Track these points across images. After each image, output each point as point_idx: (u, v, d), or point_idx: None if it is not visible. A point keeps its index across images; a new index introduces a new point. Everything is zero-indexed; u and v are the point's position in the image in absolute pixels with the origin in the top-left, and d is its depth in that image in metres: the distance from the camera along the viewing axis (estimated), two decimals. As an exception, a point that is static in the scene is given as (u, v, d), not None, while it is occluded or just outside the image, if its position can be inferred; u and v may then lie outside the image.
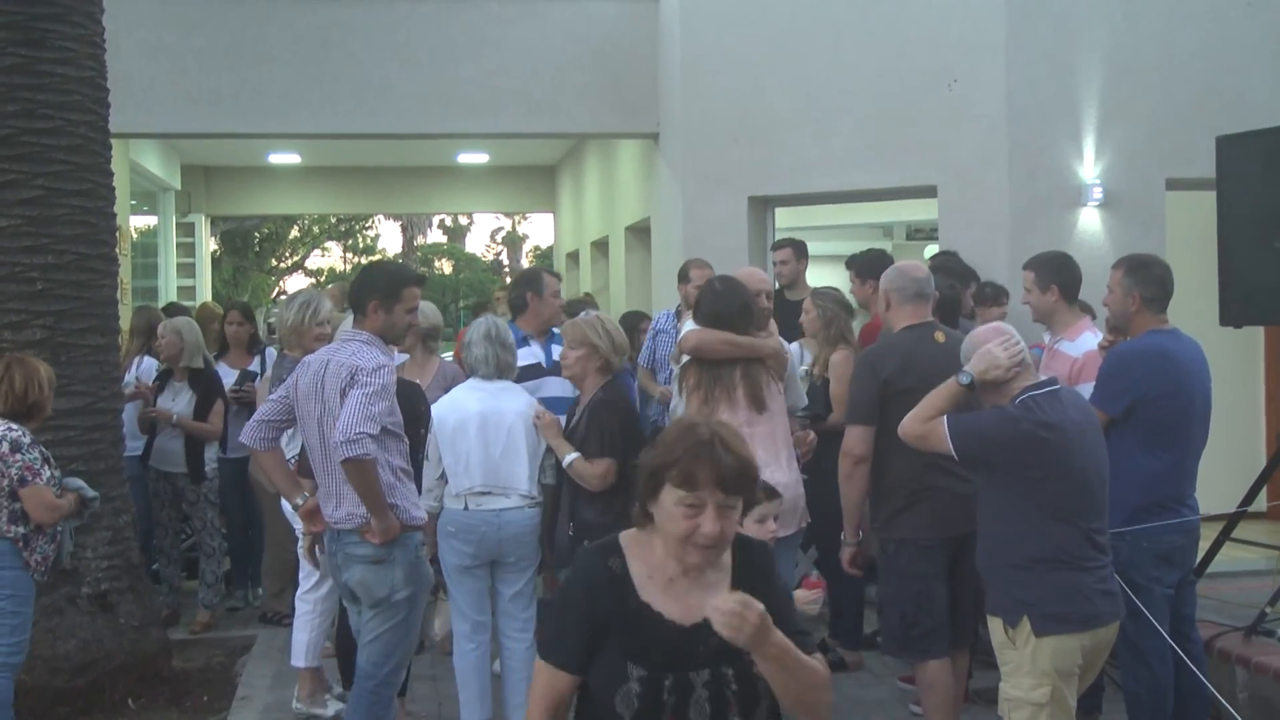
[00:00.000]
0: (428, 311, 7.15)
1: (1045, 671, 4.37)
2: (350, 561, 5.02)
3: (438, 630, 7.07)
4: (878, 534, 5.40)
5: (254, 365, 8.66)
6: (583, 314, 6.15)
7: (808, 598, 4.74)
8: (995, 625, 4.54)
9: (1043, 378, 4.60)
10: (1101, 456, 4.56)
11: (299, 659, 6.43)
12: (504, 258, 44.36)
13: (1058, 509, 4.36)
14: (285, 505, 6.47)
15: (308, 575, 6.44)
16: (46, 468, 5.53)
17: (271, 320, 8.79)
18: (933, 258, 7.94)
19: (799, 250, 8.32)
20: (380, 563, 4.98)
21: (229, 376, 8.48)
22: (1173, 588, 5.35)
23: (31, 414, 5.59)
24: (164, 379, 8.11)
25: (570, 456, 5.61)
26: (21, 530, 5.43)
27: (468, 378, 6.05)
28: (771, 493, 4.85)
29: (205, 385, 8.07)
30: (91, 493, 5.80)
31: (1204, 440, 5.52)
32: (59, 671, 6.37)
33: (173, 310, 9.51)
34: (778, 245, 8.62)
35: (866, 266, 7.17)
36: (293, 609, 6.68)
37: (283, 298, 8.19)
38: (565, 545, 5.71)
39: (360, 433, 4.74)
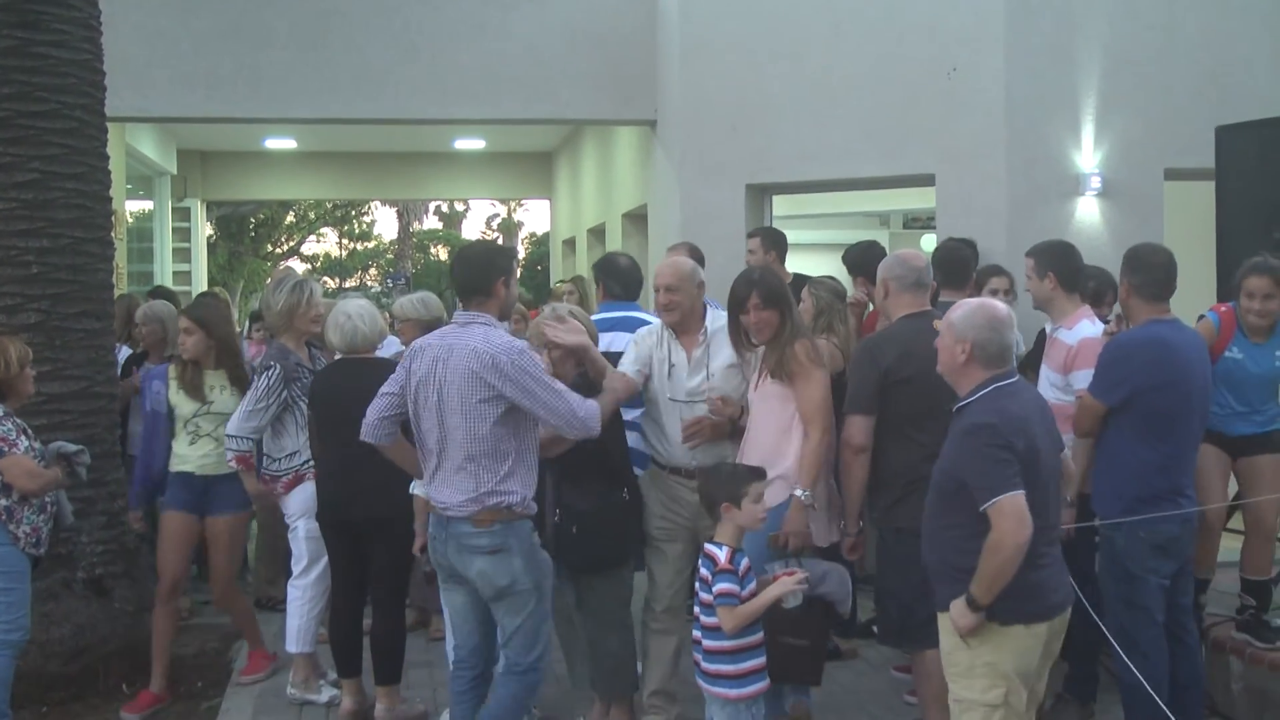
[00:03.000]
0: (430, 303, 7.11)
1: (1003, 673, 4.29)
2: (466, 553, 4.89)
3: None
4: (876, 524, 5.39)
5: None
6: (547, 309, 6.05)
7: (792, 583, 4.79)
8: (946, 623, 4.43)
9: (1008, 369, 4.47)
10: (1056, 448, 4.48)
11: (292, 645, 6.43)
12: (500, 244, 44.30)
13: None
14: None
15: (298, 561, 6.44)
16: (23, 438, 5.51)
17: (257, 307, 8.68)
18: (947, 241, 7.83)
19: (768, 240, 8.17)
20: (498, 552, 4.87)
21: None
22: (1168, 579, 5.34)
23: (3, 393, 5.57)
24: (138, 363, 7.95)
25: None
26: (4, 503, 5.41)
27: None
28: (758, 473, 4.89)
29: None
30: (74, 447, 5.78)
31: (1202, 432, 5.50)
32: (53, 656, 6.36)
33: (159, 295, 9.37)
34: (751, 233, 8.56)
35: (856, 263, 7.21)
36: (286, 595, 6.67)
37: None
38: (552, 533, 5.64)
39: (591, 410, 4.91)
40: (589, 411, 4.90)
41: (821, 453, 5.30)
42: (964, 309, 4.52)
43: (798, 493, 5.24)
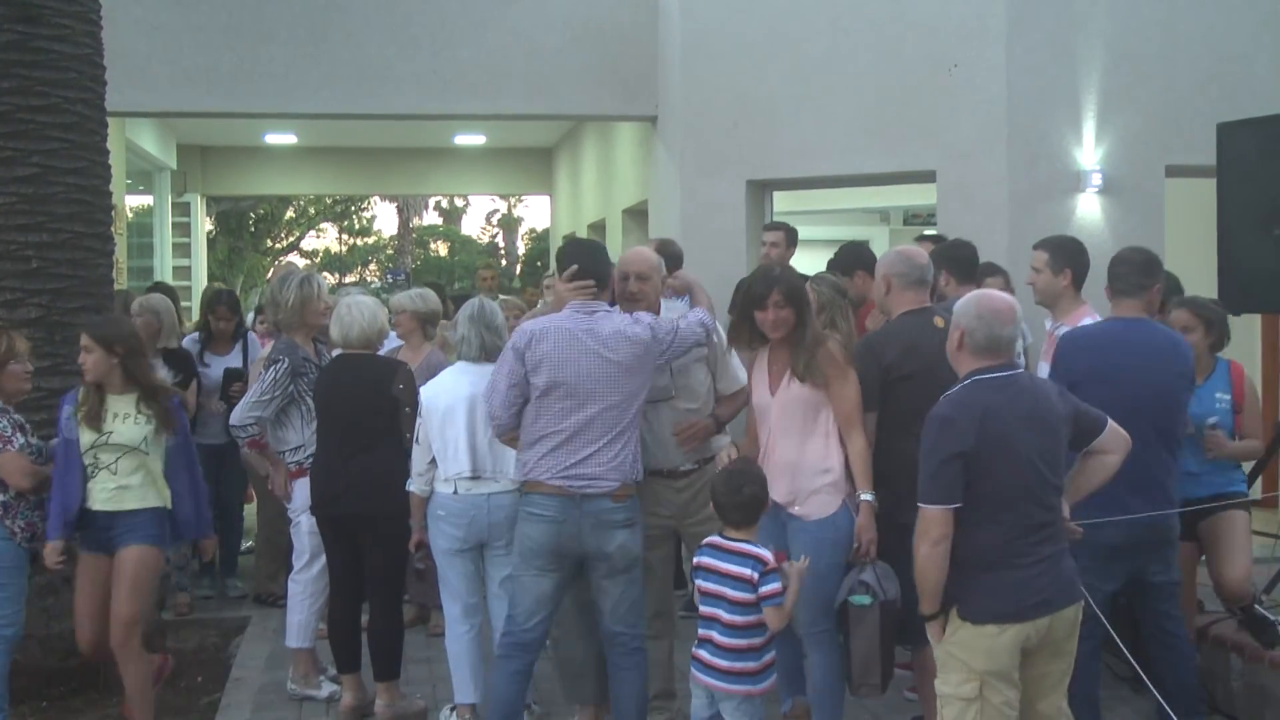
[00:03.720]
0: (428, 296, 7.12)
1: (975, 670, 4.26)
2: (606, 529, 5.07)
3: None
4: (877, 520, 5.35)
5: (235, 353, 8.44)
6: (540, 304, 6.09)
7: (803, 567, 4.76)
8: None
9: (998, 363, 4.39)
10: (1049, 446, 4.35)
11: (292, 640, 6.43)
12: (500, 240, 44.28)
13: (993, 507, 4.22)
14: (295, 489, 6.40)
15: (299, 556, 6.43)
16: (19, 434, 5.49)
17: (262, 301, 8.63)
18: (924, 238, 7.81)
19: (791, 236, 8.28)
20: (632, 524, 5.15)
21: (216, 367, 8.32)
22: (1116, 581, 5.21)
23: None
24: None
25: None
26: (1, 498, 5.39)
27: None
28: None
29: (182, 363, 7.98)
30: None
31: (1166, 438, 5.25)
32: (53, 651, 6.35)
33: (158, 290, 9.35)
34: (771, 226, 8.55)
35: (849, 262, 7.18)
36: (286, 590, 6.67)
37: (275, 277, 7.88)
38: None
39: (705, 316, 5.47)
40: (705, 318, 5.47)
41: (869, 452, 5.21)
42: (966, 297, 4.55)
43: (866, 497, 5.09)
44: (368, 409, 5.93)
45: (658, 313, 5.58)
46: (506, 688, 5.21)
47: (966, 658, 4.27)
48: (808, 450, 5.18)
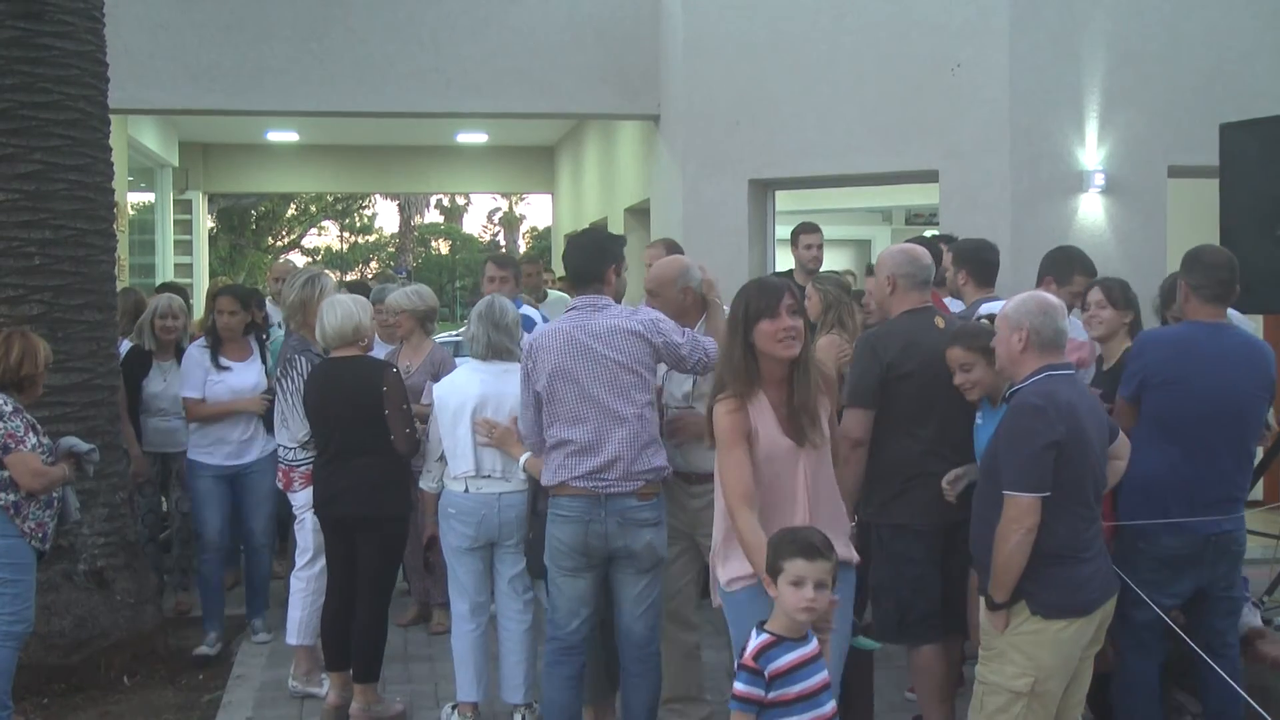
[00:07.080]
0: (424, 294, 7.12)
1: (1039, 664, 4.30)
2: (633, 527, 5.01)
3: None
4: (872, 519, 5.33)
5: (254, 357, 7.47)
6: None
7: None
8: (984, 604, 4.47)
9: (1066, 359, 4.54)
10: (1103, 444, 4.51)
11: (293, 637, 6.41)
12: (501, 238, 44.34)
13: (1068, 499, 4.30)
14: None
15: (303, 553, 6.42)
16: (31, 434, 5.49)
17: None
18: (937, 239, 7.79)
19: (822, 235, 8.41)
20: (659, 524, 5.10)
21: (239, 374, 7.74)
22: (1179, 597, 5.11)
23: (22, 388, 5.55)
24: (146, 361, 7.61)
25: (524, 456, 5.46)
26: (11, 498, 5.40)
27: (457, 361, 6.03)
28: (807, 549, 3.84)
29: None
30: (85, 446, 5.74)
31: (1237, 444, 5.18)
32: (54, 648, 6.36)
33: (167, 290, 9.25)
34: (809, 229, 8.45)
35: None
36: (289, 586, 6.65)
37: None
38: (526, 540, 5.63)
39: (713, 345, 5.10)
40: (712, 346, 5.13)
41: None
42: (1015, 300, 4.62)
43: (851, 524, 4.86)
44: (359, 412, 5.87)
45: (686, 320, 5.43)
46: (562, 694, 5.18)
47: (1032, 650, 4.33)
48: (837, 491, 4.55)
